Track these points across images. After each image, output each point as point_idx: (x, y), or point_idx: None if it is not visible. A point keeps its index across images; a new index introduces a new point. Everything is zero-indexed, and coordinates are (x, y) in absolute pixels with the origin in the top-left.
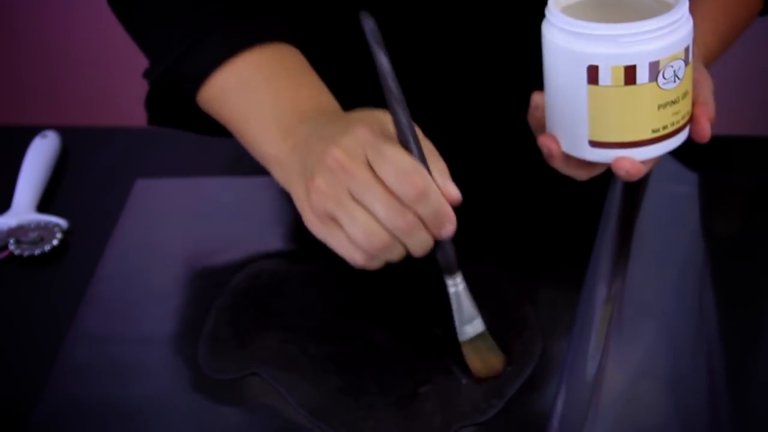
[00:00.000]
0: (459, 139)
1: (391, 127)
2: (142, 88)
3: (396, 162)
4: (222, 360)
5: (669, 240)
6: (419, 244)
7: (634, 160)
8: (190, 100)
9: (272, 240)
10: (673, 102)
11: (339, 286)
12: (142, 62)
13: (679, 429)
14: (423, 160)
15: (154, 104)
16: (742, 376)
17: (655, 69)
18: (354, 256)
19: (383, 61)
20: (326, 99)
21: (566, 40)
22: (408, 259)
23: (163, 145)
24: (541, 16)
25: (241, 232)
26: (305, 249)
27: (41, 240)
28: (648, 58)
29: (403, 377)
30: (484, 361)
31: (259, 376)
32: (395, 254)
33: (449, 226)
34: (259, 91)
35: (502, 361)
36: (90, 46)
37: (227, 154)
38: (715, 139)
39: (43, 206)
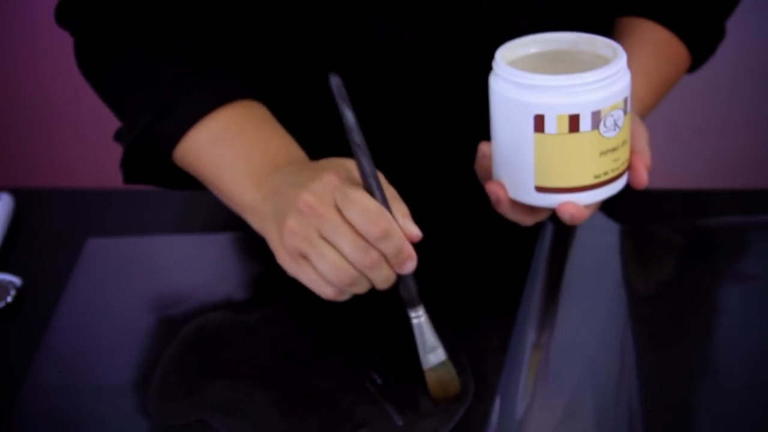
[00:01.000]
0: (412, 186)
1: (356, 173)
2: (93, 150)
3: (362, 205)
4: (171, 407)
5: (594, 288)
6: (383, 278)
7: (577, 205)
8: (166, 159)
9: (219, 293)
10: (614, 149)
11: (282, 335)
12: (95, 125)
13: None
14: (386, 203)
15: (129, 164)
16: (659, 418)
17: (597, 118)
18: (324, 290)
19: (349, 116)
20: (295, 150)
21: (514, 92)
22: (351, 308)
23: (114, 205)
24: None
25: (189, 287)
26: (250, 301)
27: None
28: (590, 107)
29: (342, 420)
30: (444, 387)
31: (206, 422)
32: (361, 288)
33: (410, 263)
34: (232, 147)
35: (459, 388)
36: (42, 109)
37: (175, 213)
38: (641, 192)
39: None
